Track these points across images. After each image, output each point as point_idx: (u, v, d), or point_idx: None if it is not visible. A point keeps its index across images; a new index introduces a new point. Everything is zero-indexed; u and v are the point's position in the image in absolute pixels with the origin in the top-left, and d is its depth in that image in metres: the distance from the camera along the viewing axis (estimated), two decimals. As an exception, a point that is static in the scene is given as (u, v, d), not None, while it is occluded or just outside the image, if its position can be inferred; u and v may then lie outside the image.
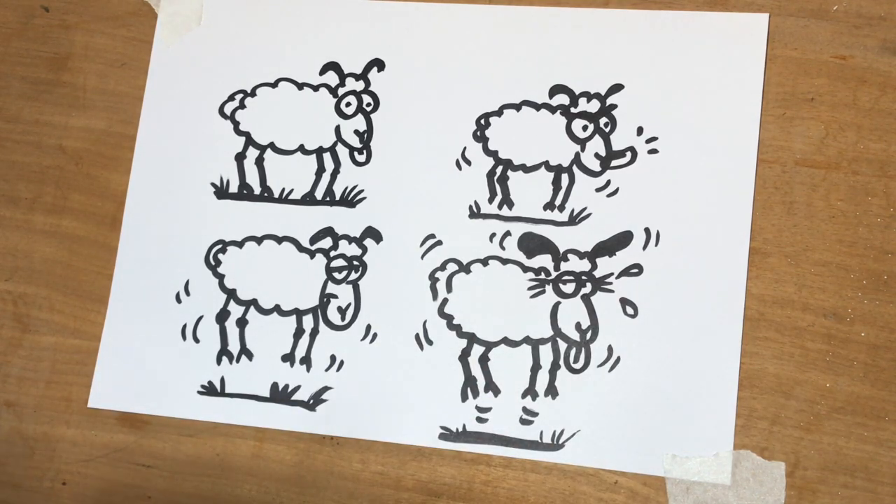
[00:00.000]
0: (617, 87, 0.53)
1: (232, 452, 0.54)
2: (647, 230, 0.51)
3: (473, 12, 0.56)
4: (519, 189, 0.53)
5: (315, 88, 0.57)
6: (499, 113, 0.54)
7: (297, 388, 0.53)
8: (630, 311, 0.51)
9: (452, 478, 0.51)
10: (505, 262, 0.53)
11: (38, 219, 0.59)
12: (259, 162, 0.57)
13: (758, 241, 0.50)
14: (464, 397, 0.52)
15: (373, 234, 0.54)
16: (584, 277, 0.51)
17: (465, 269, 0.53)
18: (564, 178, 0.53)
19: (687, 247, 0.50)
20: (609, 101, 0.53)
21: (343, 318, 0.54)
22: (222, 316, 0.55)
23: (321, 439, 0.53)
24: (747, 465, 0.48)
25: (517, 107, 0.54)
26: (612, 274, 0.51)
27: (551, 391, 0.51)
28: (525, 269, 0.52)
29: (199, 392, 0.54)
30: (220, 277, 0.55)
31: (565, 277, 0.52)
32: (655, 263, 0.51)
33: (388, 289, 0.54)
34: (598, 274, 0.51)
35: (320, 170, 0.56)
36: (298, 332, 0.54)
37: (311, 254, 0.55)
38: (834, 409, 0.48)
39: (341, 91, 0.56)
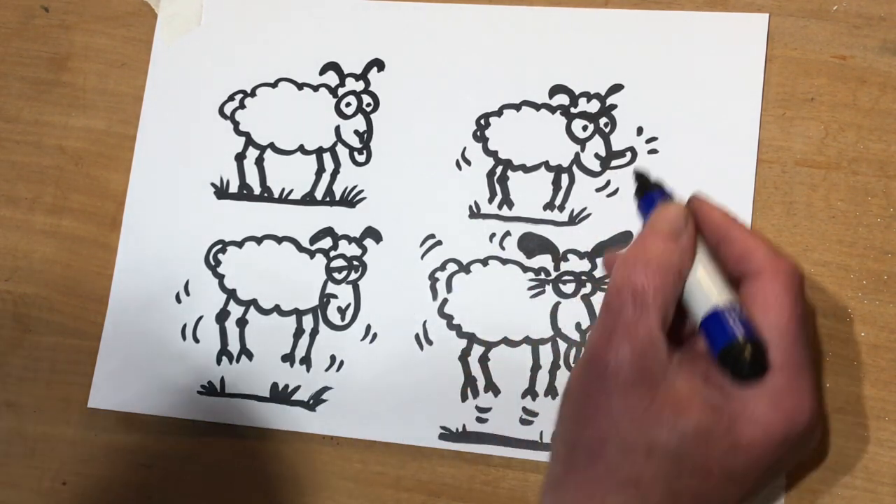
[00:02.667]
0: (617, 87, 0.53)
1: (232, 452, 0.54)
2: (647, 230, 0.51)
3: (473, 12, 0.56)
4: (519, 189, 0.53)
5: (315, 88, 0.57)
6: (499, 113, 0.54)
7: (297, 388, 0.53)
8: (630, 311, 0.50)
9: (452, 478, 0.51)
10: (505, 262, 0.53)
11: (38, 219, 0.59)
12: (259, 162, 0.57)
13: (758, 241, 0.50)
14: (464, 397, 0.52)
15: (373, 234, 0.54)
16: (584, 277, 0.51)
17: (465, 269, 0.53)
18: (564, 178, 0.53)
19: (687, 247, 0.50)
20: (609, 101, 0.53)
21: (343, 318, 0.54)
22: (222, 316, 0.55)
23: (321, 439, 0.53)
24: (747, 465, 0.48)
25: (517, 107, 0.54)
26: (612, 274, 0.51)
27: (551, 391, 0.51)
28: (525, 269, 0.52)
29: (199, 392, 0.54)
30: (220, 277, 0.55)
31: (565, 277, 0.52)
32: (655, 263, 0.50)
33: (388, 289, 0.54)
34: (598, 274, 0.51)
35: (320, 170, 0.56)
36: (298, 332, 0.54)
37: (311, 254, 0.55)
38: (834, 409, 0.48)
39: (341, 91, 0.56)
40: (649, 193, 0.44)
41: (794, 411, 0.38)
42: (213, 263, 0.56)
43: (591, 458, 0.40)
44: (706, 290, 0.40)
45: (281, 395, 0.53)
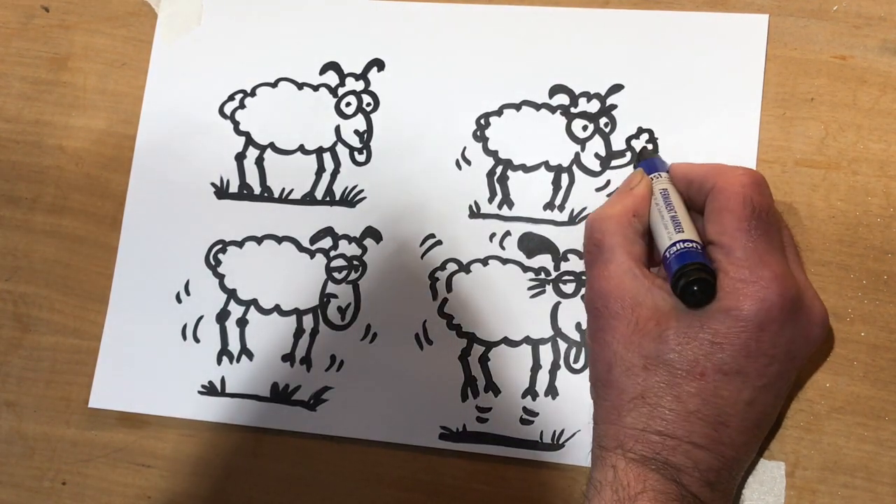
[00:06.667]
0: (617, 87, 0.53)
1: (232, 452, 0.54)
2: (647, 230, 0.51)
3: (473, 12, 0.56)
4: (519, 189, 0.53)
5: (315, 88, 0.57)
6: (499, 113, 0.54)
7: (297, 388, 0.53)
8: (630, 311, 0.50)
9: (452, 478, 0.51)
10: (505, 262, 0.53)
11: (38, 219, 0.59)
12: (259, 162, 0.57)
13: (758, 241, 0.50)
14: (464, 397, 0.52)
15: (373, 233, 0.54)
16: (584, 277, 0.51)
17: (465, 269, 0.53)
18: (564, 177, 0.53)
19: (687, 247, 0.50)
20: (609, 101, 0.53)
21: (343, 318, 0.54)
22: (222, 316, 0.55)
23: (321, 439, 0.53)
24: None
25: (517, 107, 0.54)
26: (612, 274, 0.51)
27: (551, 391, 0.51)
28: (525, 268, 0.52)
29: (200, 392, 0.54)
30: (221, 277, 0.55)
31: (565, 277, 0.52)
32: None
33: (388, 289, 0.54)
34: (598, 274, 0.51)
35: (320, 170, 0.56)
36: (298, 332, 0.54)
37: (311, 254, 0.55)
38: (834, 409, 0.48)
39: (341, 91, 0.56)
40: (642, 162, 0.50)
41: (761, 295, 0.42)
42: (213, 263, 0.56)
43: (606, 387, 0.44)
44: (662, 232, 0.45)
45: (281, 395, 0.53)
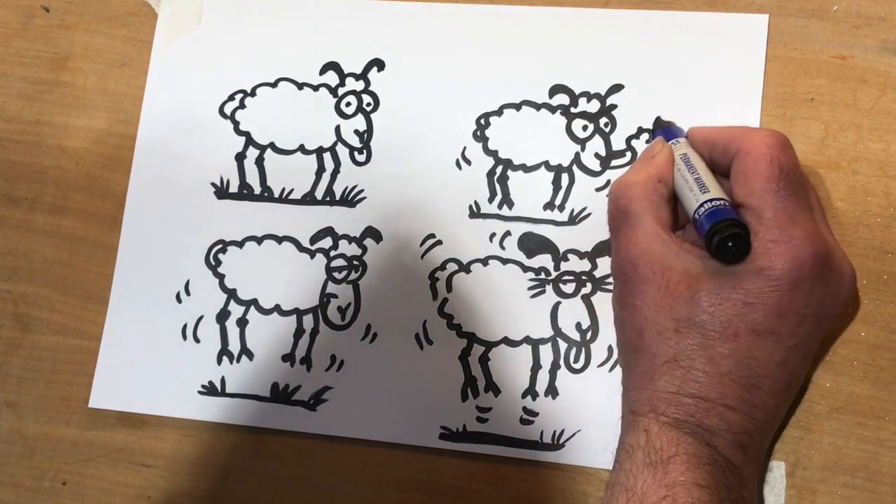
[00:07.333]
0: (617, 87, 0.53)
1: (232, 452, 0.54)
2: (647, 230, 0.51)
3: (473, 12, 0.56)
4: (519, 189, 0.53)
5: (315, 88, 0.57)
6: (499, 113, 0.54)
7: (297, 388, 0.53)
8: (630, 310, 0.50)
9: (452, 478, 0.51)
10: (505, 261, 0.53)
11: (38, 219, 0.59)
12: (259, 162, 0.57)
13: (758, 240, 0.50)
14: (464, 397, 0.52)
15: (373, 233, 0.54)
16: (584, 277, 0.51)
17: (465, 268, 0.53)
18: (564, 177, 0.53)
19: (687, 247, 0.50)
20: (609, 101, 0.53)
21: (343, 318, 0.54)
22: (222, 316, 0.55)
23: (321, 439, 0.53)
24: (747, 465, 0.48)
25: (517, 107, 0.54)
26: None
27: (551, 391, 0.51)
28: (525, 268, 0.52)
29: (200, 392, 0.54)
30: (221, 277, 0.55)
31: (565, 277, 0.52)
32: (655, 263, 0.51)
33: (388, 289, 0.54)
34: (598, 274, 0.51)
35: (320, 170, 0.56)
36: (298, 332, 0.54)
37: (312, 254, 0.55)
38: (834, 409, 0.48)
39: (341, 91, 0.56)
40: (659, 130, 0.50)
41: (792, 253, 0.42)
42: (213, 263, 0.56)
43: (637, 353, 0.44)
44: (688, 195, 0.45)
45: (281, 395, 0.53)
